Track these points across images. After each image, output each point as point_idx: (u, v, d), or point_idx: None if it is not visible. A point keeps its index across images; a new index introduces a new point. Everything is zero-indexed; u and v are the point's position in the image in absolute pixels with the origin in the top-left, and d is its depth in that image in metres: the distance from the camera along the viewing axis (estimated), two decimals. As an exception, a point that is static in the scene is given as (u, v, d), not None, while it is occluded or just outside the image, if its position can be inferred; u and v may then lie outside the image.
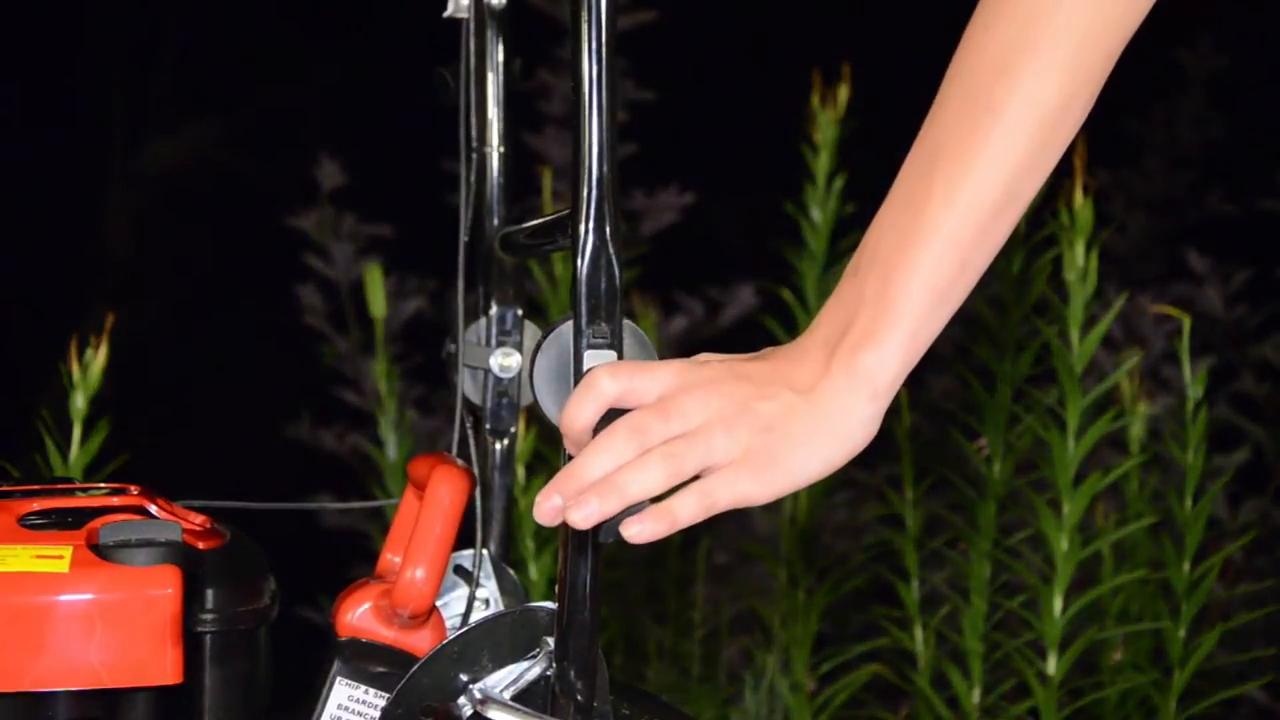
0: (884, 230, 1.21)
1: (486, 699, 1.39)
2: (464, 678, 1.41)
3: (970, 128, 1.19)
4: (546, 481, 1.17)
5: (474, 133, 1.65)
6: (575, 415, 1.22)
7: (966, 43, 1.21)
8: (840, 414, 1.21)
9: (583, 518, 1.18)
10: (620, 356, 1.27)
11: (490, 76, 1.65)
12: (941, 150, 1.20)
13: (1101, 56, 1.19)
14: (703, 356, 1.24)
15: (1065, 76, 1.18)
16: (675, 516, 1.19)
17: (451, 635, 1.43)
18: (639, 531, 1.18)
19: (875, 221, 1.23)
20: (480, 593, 1.56)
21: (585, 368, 1.27)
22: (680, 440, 1.19)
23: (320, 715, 1.46)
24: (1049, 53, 1.18)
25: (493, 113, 1.65)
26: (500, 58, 1.65)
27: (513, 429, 1.66)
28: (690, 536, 2.81)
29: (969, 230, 1.19)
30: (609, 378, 1.21)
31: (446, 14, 1.65)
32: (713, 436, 1.19)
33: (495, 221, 1.65)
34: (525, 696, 1.40)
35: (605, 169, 1.28)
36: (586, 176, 1.29)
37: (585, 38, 1.28)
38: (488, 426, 1.65)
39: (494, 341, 1.65)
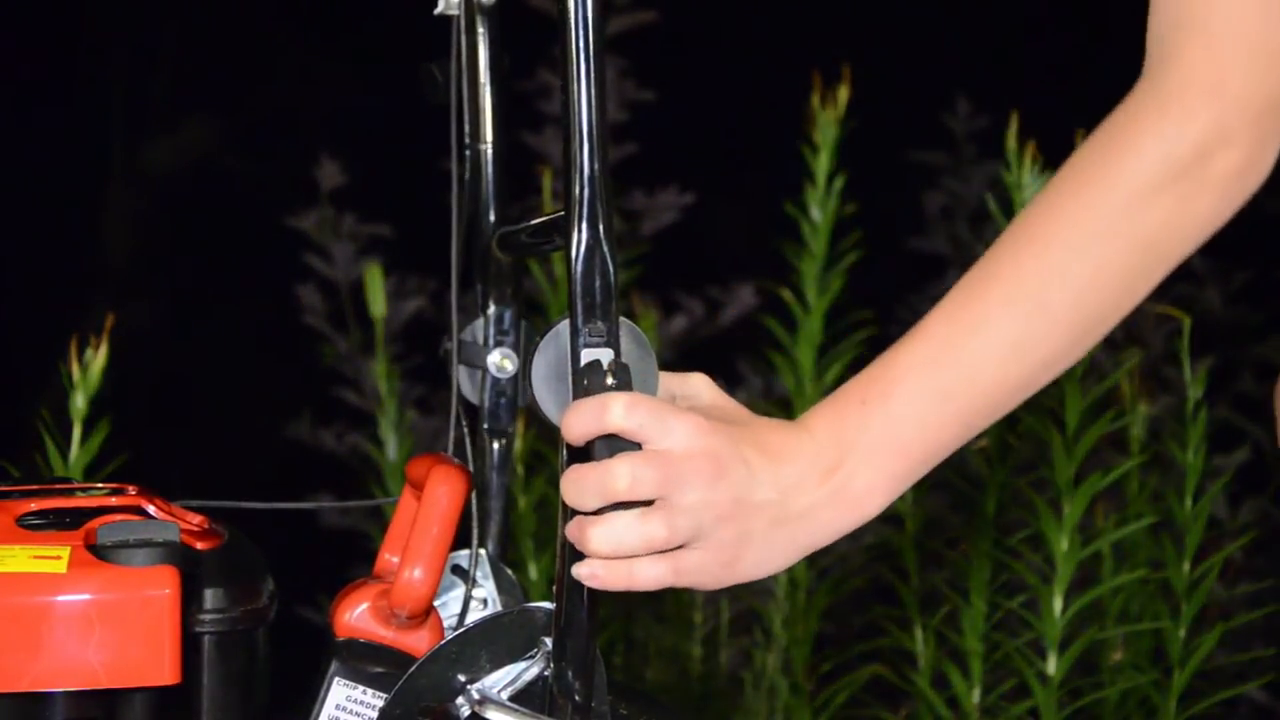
0: (900, 371, 1.23)
1: (484, 699, 1.39)
2: (462, 678, 1.40)
3: (998, 304, 1.22)
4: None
5: (467, 130, 1.65)
6: (576, 426, 1.23)
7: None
8: (821, 532, 1.24)
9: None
10: (617, 355, 1.27)
11: (482, 73, 1.64)
12: (975, 288, 1.23)
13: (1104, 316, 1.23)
14: (703, 431, 1.24)
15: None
16: (634, 579, 1.23)
17: (449, 635, 1.43)
18: (589, 575, 1.23)
19: (893, 353, 1.24)
20: (478, 593, 1.56)
21: (582, 365, 1.27)
22: (672, 514, 1.22)
23: (318, 715, 1.46)
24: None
25: (486, 109, 1.65)
26: (492, 54, 1.65)
27: (511, 429, 1.66)
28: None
29: (979, 399, 1.23)
30: (624, 411, 1.22)
31: (438, 11, 1.65)
32: (702, 523, 1.22)
33: (492, 219, 1.65)
34: (523, 697, 1.40)
35: (597, 167, 1.28)
36: (578, 175, 1.28)
37: (573, 34, 1.28)
38: (485, 426, 1.65)
39: (492, 341, 1.65)
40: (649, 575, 1.23)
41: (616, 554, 1.22)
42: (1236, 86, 1.18)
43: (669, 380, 1.30)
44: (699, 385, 1.29)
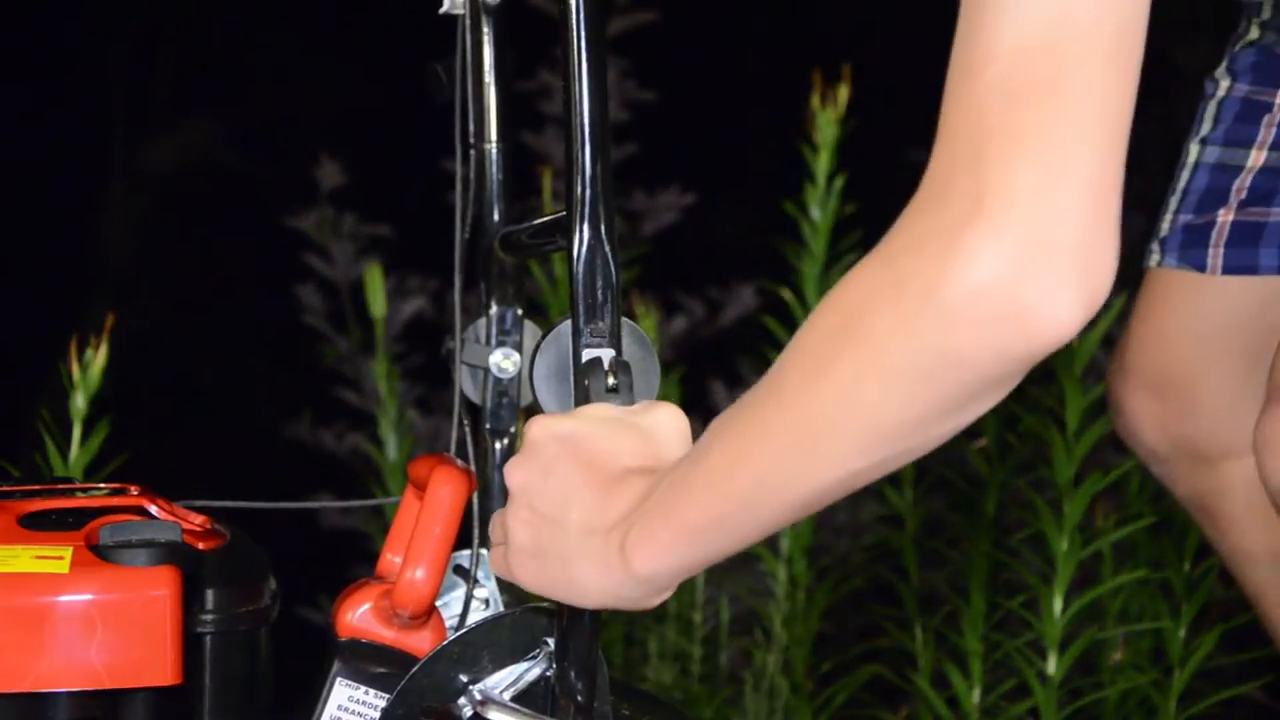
0: (698, 460, 1.17)
1: (486, 700, 1.39)
2: (464, 678, 1.41)
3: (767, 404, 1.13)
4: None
5: (471, 129, 1.65)
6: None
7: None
8: (606, 588, 1.20)
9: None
10: (619, 354, 1.27)
11: (487, 72, 1.65)
12: (737, 420, 1.15)
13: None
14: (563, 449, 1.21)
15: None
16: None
17: (451, 636, 1.43)
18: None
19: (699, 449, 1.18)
20: (480, 593, 1.56)
21: (584, 363, 1.27)
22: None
23: (320, 716, 1.46)
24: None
25: (490, 109, 1.65)
26: (497, 54, 1.65)
27: (512, 429, 1.66)
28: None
29: (719, 503, 1.16)
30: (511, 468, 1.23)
31: (442, 10, 1.65)
32: (533, 546, 1.22)
33: (496, 218, 1.65)
34: (525, 697, 1.40)
35: (598, 167, 1.28)
36: (580, 175, 1.28)
37: (574, 34, 1.28)
38: (487, 426, 1.65)
39: (494, 341, 1.65)
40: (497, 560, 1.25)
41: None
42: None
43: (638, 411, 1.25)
44: (663, 416, 1.23)
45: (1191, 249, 1.84)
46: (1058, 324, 1.02)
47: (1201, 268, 1.83)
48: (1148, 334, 1.90)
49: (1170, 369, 1.88)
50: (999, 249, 1.01)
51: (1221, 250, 1.82)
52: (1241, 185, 1.81)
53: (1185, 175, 1.87)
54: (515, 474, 1.21)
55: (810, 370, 1.09)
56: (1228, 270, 1.82)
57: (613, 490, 1.19)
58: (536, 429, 1.21)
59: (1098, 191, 1.03)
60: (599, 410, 1.23)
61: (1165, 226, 1.87)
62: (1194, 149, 1.88)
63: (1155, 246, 1.88)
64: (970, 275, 1.01)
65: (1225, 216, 1.80)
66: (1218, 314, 1.85)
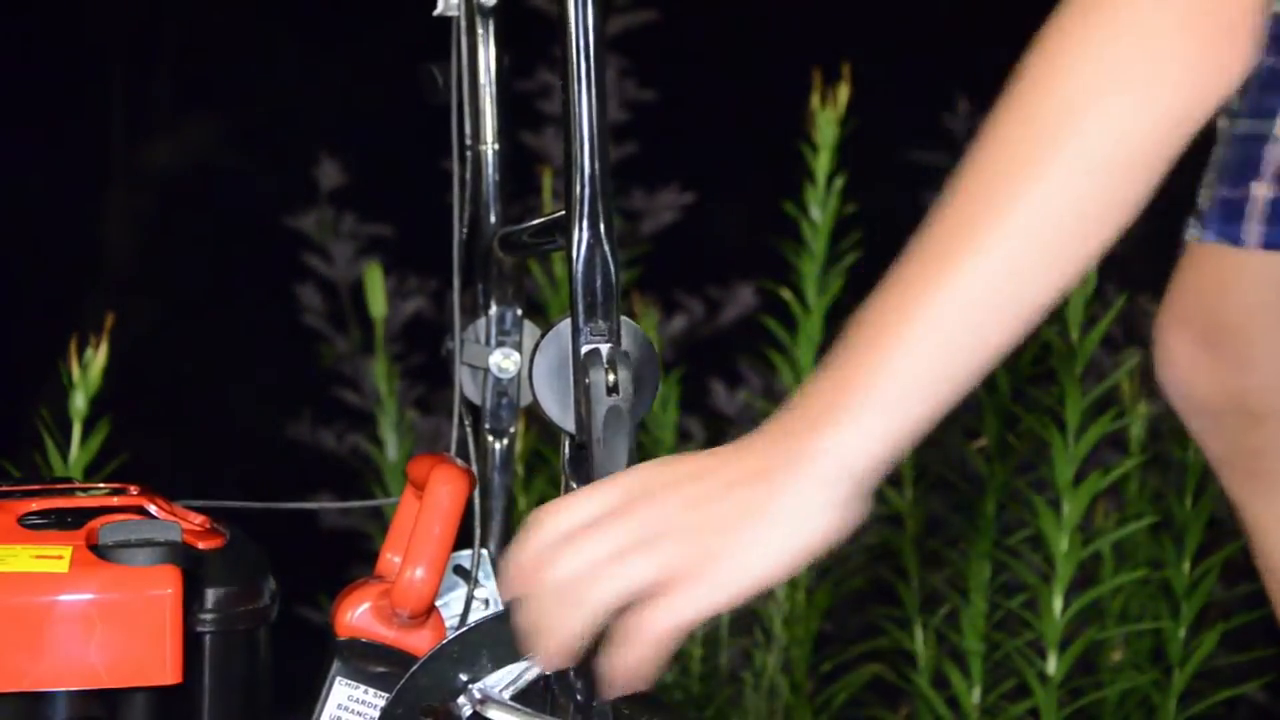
0: (867, 316, 1.10)
1: (486, 699, 1.39)
2: (464, 678, 1.41)
3: (973, 219, 1.11)
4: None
5: (468, 130, 1.65)
6: (515, 563, 1.12)
7: (994, 125, 1.13)
8: (788, 503, 1.09)
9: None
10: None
11: (483, 74, 1.65)
12: (939, 239, 1.11)
13: (1135, 175, 1.12)
14: (670, 459, 1.14)
15: (1090, 186, 1.10)
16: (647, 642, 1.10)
17: (451, 635, 1.43)
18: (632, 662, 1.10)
19: (861, 312, 1.11)
20: (480, 592, 1.56)
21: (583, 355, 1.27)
22: (631, 552, 1.09)
23: (320, 715, 1.46)
24: (1073, 158, 1.10)
25: (486, 110, 1.65)
26: (493, 55, 1.65)
27: (512, 429, 1.66)
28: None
29: (957, 328, 1.08)
30: (546, 517, 1.11)
31: (437, 12, 1.65)
32: (661, 548, 1.09)
33: (493, 219, 1.65)
34: (525, 696, 1.40)
35: (597, 167, 1.28)
36: (578, 174, 1.29)
37: (573, 34, 1.28)
38: (487, 426, 1.65)
39: (493, 341, 1.65)
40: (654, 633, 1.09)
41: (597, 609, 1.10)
42: None
43: None
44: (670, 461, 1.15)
45: (1229, 224, 1.83)
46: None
47: (1239, 241, 1.82)
48: (1199, 283, 1.88)
49: (1224, 319, 1.86)
50: None
51: (1259, 226, 1.81)
52: (1271, 156, 1.80)
53: (1219, 149, 1.87)
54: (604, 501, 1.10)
55: (1021, 173, 1.08)
56: (1268, 246, 1.81)
57: (754, 444, 1.09)
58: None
59: None
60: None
61: (1204, 201, 1.86)
62: (1223, 122, 1.88)
63: (1194, 221, 1.87)
64: None
65: (1260, 190, 1.79)
66: (1264, 281, 1.84)
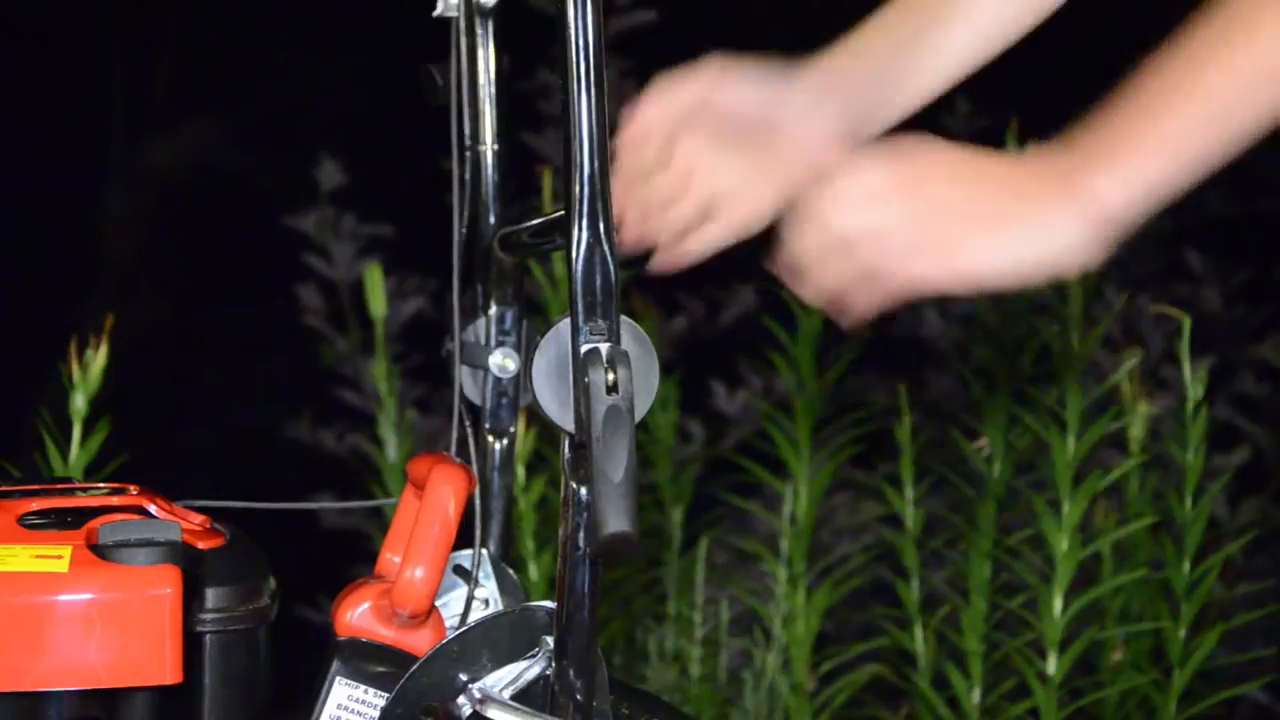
0: (1139, 82, 1.23)
1: (486, 698, 1.39)
2: (463, 677, 1.41)
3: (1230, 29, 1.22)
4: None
5: (468, 131, 1.65)
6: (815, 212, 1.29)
7: None
8: (1050, 219, 1.24)
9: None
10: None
11: (482, 74, 1.65)
12: (1208, 40, 1.23)
13: None
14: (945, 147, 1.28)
15: None
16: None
17: (451, 635, 1.43)
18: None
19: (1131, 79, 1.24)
20: (480, 592, 1.56)
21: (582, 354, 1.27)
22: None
23: (320, 715, 1.46)
24: None
25: (486, 111, 1.65)
26: (492, 55, 1.65)
27: (512, 429, 1.66)
28: (690, 536, 2.81)
29: (1218, 104, 1.22)
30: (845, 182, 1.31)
31: (436, 13, 1.65)
32: (931, 221, 1.26)
33: (492, 220, 1.65)
34: (525, 696, 1.40)
35: (597, 167, 1.28)
36: (578, 174, 1.29)
37: (573, 35, 1.28)
38: (487, 426, 1.65)
39: (493, 341, 1.65)
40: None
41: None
42: None
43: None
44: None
45: None
46: None
47: None
48: None
49: None
50: None
51: None
52: None
53: None
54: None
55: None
56: None
57: (1005, 163, 1.24)
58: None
59: None
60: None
61: None
62: None
63: None
64: None
65: None
66: None
